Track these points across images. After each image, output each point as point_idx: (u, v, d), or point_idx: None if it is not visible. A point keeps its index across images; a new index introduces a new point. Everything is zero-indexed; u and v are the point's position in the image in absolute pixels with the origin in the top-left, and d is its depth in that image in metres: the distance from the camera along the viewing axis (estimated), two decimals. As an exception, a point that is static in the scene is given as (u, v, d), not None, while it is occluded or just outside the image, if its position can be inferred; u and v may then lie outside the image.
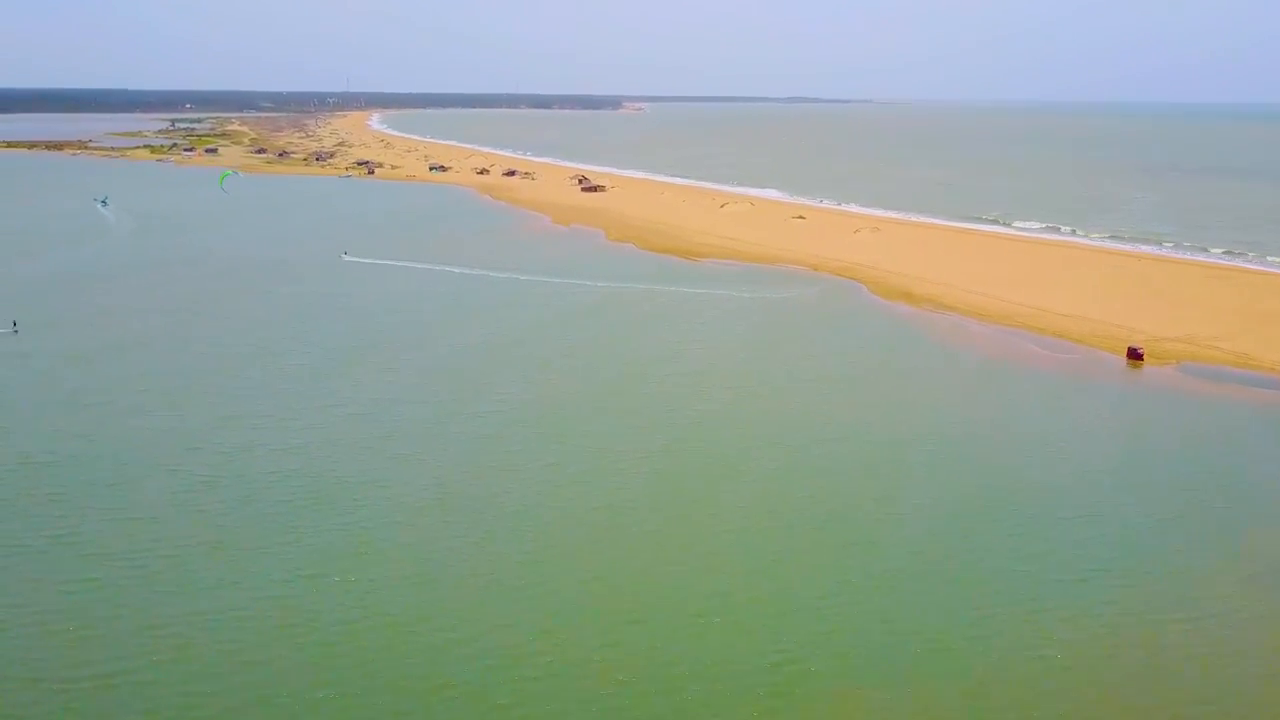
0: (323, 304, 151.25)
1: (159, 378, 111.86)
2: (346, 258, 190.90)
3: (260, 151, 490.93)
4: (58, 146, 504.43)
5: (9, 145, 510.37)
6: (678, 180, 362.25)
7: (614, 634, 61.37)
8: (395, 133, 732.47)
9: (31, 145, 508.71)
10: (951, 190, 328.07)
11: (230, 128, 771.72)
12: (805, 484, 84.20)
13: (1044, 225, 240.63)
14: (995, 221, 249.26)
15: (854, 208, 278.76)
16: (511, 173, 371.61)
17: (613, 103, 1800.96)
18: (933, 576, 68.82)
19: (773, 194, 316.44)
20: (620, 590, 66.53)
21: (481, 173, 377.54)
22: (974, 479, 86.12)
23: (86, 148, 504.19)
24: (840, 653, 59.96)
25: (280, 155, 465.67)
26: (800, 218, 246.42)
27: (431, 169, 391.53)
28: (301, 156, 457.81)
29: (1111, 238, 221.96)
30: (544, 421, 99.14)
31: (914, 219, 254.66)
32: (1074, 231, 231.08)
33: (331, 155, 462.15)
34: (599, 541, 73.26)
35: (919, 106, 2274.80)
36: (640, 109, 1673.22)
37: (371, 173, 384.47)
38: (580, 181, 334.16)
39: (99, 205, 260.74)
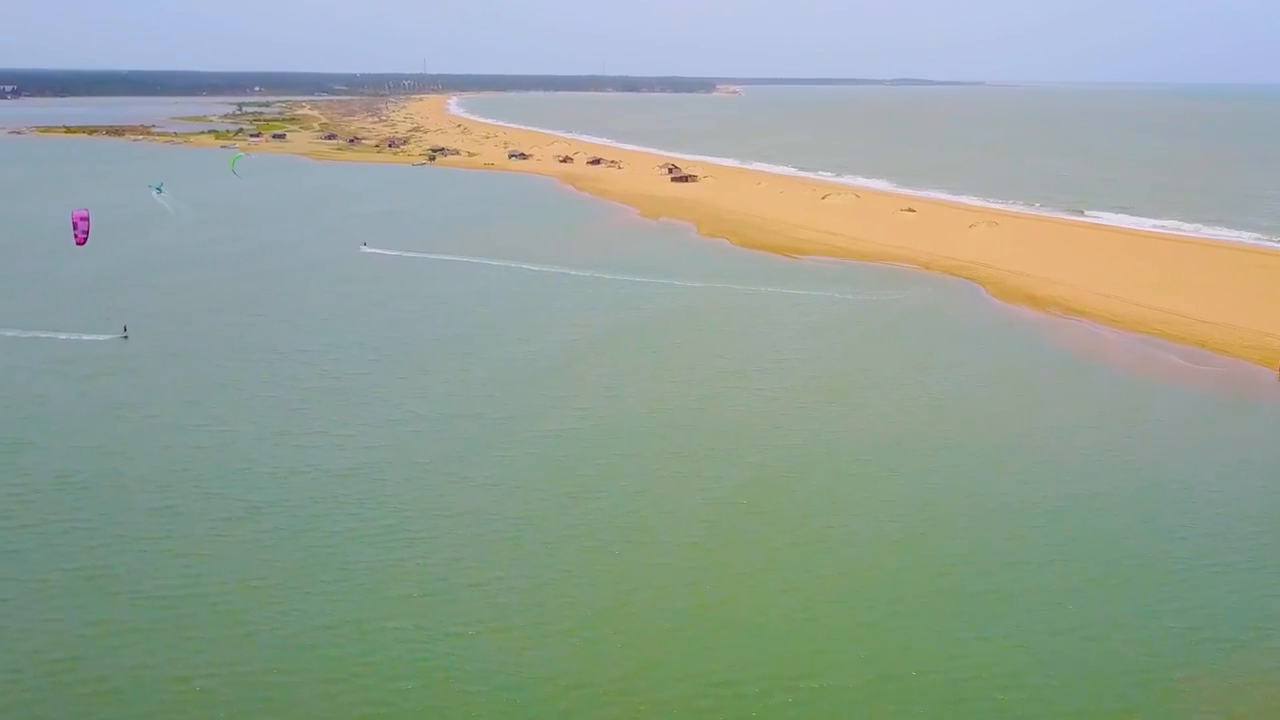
0: (387, 305, 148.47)
1: (207, 388, 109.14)
2: (366, 249, 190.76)
3: (330, 137, 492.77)
4: (119, 132, 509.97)
5: (69, 131, 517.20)
6: (775, 169, 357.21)
7: (715, 706, 57.18)
8: (474, 117, 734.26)
9: (92, 131, 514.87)
10: (1074, 180, 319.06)
11: (300, 112, 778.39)
12: (923, 522, 79.01)
13: (1177, 220, 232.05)
14: (1124, 215, 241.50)
15: (968, 199, 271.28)
16: (596, 161, 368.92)
17: (705, 85, 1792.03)
18: (1073, 636, 63.43)
19: (879, 184, 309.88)
20: (719, 650, 61.94)
21: (564, 161, 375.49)
22: (1114, 517, 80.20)
23: (149, 133, 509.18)
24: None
25: (351, 141, 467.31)
26: (910, 211, 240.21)
27: (511, 156, 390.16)
28: (373, 143, 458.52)
29: (1256, 235, 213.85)
30: (628, 442, 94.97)
31: (1034, 212, 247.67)
32: (1208, 228, 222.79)
33: (405, 141, 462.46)
34: (692, 587, 68.70)
35: (1035, 88, 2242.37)
36: (735, 92, 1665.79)
37: (433, 159, 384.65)
38: (670, 171, 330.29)
39: (154, 193, 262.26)
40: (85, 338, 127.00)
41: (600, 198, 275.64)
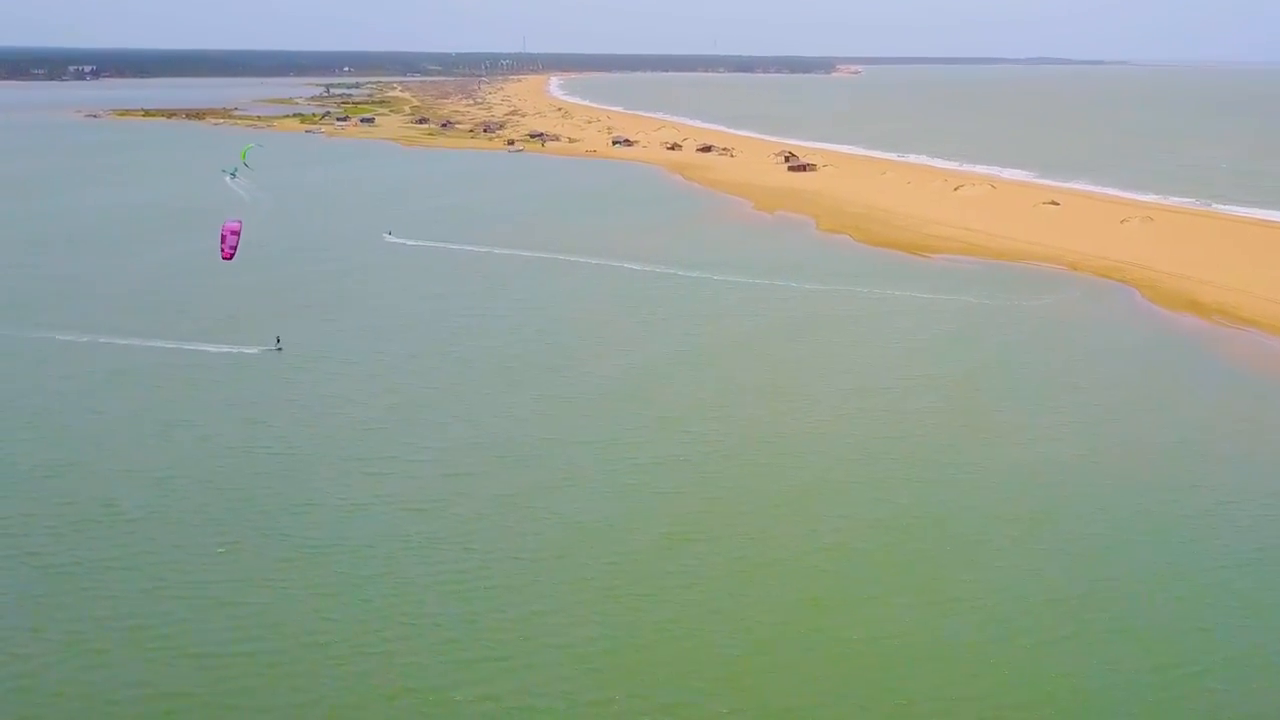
0: (473, 309, 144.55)
1: (272, 405, 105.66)
2: (390, 238, 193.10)
3: (422, 121, 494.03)
4: (199, 115, 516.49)
5: (147, 114, 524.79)
6: (901, 157, 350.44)
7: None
8: (575, 100, 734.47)
9: (171, 114, 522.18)
10: (1235, 171, 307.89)
11: (391, 94, 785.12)
12: (1084, 580, 72.54)
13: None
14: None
15: (1118, 192, 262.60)
16: (707, 148, 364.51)
17: (824, 65, 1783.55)
18: None
19: (1017, 174, 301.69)
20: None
21: (672, 148, 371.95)
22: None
23: (230, 116, 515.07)
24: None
25: (444, 126, 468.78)
26: (1053, 203, 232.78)
27: (615, 143, 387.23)
28: (467, 127, 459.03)
29: None
30: (739, 475, 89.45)
31: (1193, 206, 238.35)
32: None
33: (502, 126, 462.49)
34: (811, 658, 63.35)
35: (1185, 68, 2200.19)
36: (856, 72, 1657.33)
37: (512, 145, 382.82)
38: (786, 159, 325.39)
39: (227, 177, 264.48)
40: (238, 350, 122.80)
41: (710, 189, 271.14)
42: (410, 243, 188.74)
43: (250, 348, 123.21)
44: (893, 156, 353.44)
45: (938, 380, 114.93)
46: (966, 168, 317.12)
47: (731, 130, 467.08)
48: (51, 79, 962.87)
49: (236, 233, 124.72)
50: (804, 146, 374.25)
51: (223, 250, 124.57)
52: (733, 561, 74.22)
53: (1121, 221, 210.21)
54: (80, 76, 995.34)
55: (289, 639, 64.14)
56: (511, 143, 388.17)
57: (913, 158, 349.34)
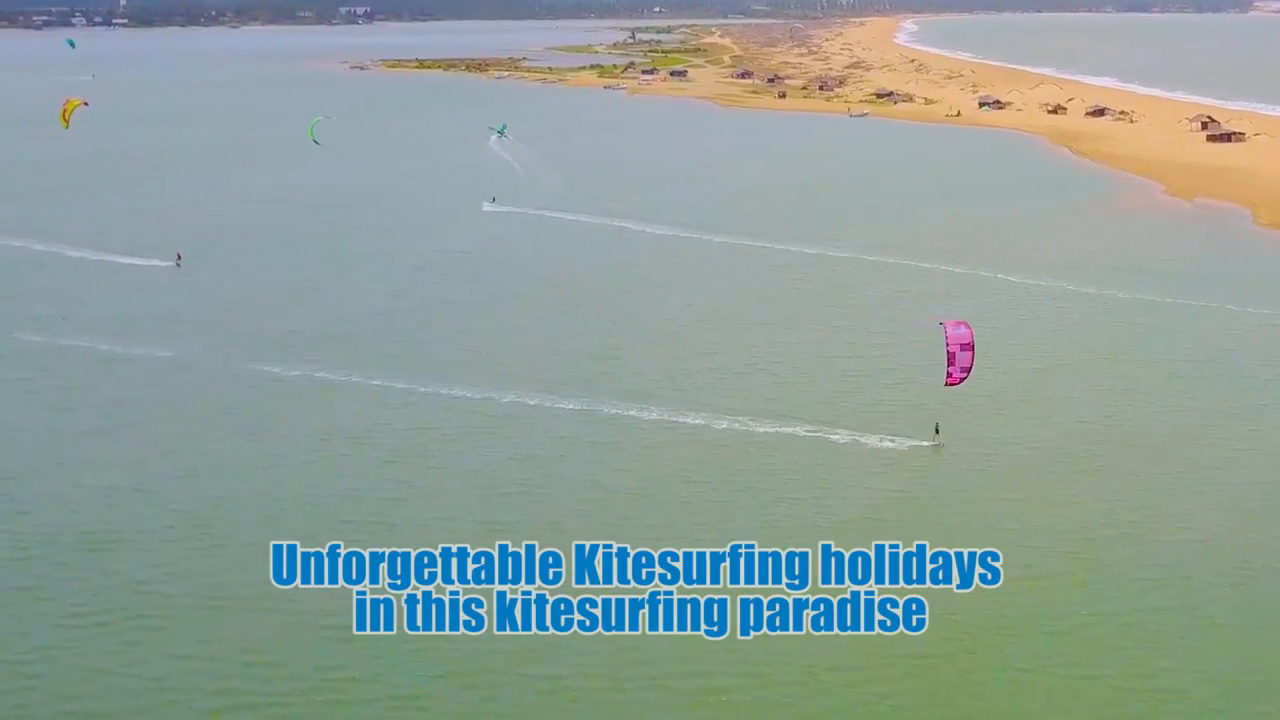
0: (795, 344, 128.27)
1: (516, 497, 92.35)
2: (489, 207, 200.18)
3: (743, 75, 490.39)
4: (481, 67, 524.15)
5: (421, 65, 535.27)
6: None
7: None
8: (931, 49, 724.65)
9: (449, 65, 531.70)
10: None
11: (708, 40, 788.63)
12: None
13: None
14: None
15: None
16: (1099, 111, 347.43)
17: (1239, 3, 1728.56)
18: None
19: None
20: None
21: (1054, 111, 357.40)
22: None
23: (518, 68, 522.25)
24: None
25: (770, 81, 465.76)
26: None
27: (982, 105, 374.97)
28: (799, 83, 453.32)
29: None
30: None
31: None
32: None
33: (841, 82, 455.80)
34: None
35: None
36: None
37: (857, 112, 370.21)
38: (1204, 125, 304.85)
39: (494, 136, 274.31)
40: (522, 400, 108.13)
41: (1106, 165, 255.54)
42: (732, 240, 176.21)
43: (538, 398, 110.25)
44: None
45: None
46: None
47: (1127, 86, 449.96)
48: (320, 22, 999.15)
49: (969, 346, 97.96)
50: (1225, 108, 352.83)
51: (949, 374, 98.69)
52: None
53: None
54: (352, 20, 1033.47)
55: None
56: (860, 112, 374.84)
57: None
